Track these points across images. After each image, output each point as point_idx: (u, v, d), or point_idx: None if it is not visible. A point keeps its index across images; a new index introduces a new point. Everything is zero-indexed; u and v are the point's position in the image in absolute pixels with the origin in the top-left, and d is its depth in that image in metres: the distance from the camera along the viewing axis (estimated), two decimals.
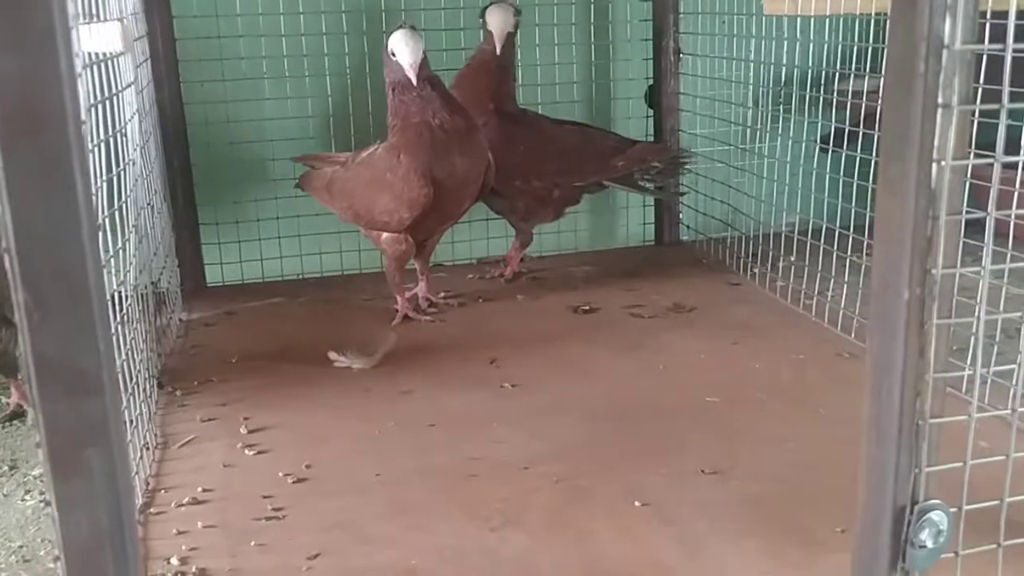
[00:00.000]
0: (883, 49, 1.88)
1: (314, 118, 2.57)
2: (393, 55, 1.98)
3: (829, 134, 2.22)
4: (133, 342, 1.54)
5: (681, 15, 2.65)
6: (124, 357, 1.44)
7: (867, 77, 2.16)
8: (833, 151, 2.12)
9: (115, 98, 1.55)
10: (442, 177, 2.02)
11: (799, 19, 2.30)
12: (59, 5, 0.62)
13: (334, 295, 2.38)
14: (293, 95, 2.53)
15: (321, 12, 2.50)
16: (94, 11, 1.55)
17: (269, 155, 2.55)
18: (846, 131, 2.08)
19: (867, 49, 2.29)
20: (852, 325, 1.96)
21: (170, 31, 2.35)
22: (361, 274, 2.53)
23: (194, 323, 2.20)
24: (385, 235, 2.12)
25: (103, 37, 1.50)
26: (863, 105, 2.04)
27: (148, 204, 1.95)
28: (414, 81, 1.95)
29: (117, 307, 1.43)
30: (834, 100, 2.17)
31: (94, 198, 0.71)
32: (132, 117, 1.78)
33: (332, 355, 1.91)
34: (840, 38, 2.56)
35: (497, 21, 2.28)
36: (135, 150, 1.81)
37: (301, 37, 2.50)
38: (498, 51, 2.28)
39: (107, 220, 1.42)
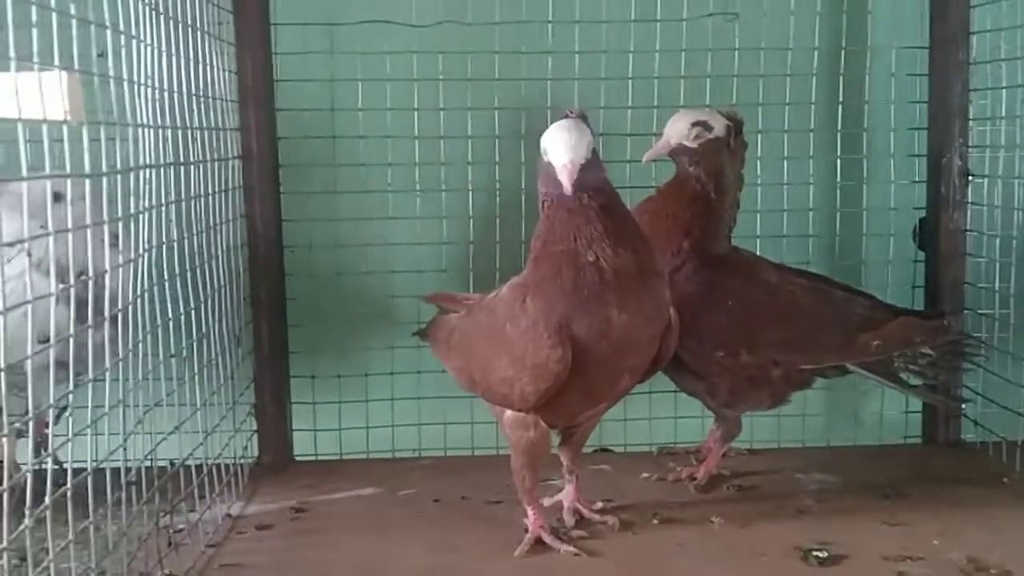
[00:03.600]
0: None
1: (451, 245, 1.95)
2: (545, 154, 1.32)
3: None
4: None
5: (972, 122, 1.86)
6: None
7: None
8: None
9: None
10: (588, 337, 1.32)
11: None
12: None
13: (449, 488, 1.69)
14: (425, 214, 1.93)
15: (467, 109, 1.90)
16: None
17: (388, 291, 1.94)
18: None
19: None
20: None
21: (271, 127, 1.82)
22: (496, 456, 1.82)
23: (243, 523, 1.56)
24: (508, 414, 1.43)
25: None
26: None
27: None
28: (567, 187, 1.28)
29: None
30: None
31: None
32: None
33: None
34: None
35: (667, 128, 1.64)
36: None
37: (439, 140, 1.91)
38: (644, 159, 1.64)
39: None
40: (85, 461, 1.15)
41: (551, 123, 1.35)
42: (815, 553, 1.39)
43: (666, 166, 1.68)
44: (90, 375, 1.15)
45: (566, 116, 1.37)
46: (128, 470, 1.20)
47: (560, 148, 1.30)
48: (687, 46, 1.90)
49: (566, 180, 1.28)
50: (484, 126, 1.91)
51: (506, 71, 1.89)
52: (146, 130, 1.28)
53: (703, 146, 1.60)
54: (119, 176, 1.16)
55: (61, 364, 1.10)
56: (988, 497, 1.63)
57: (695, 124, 1.60)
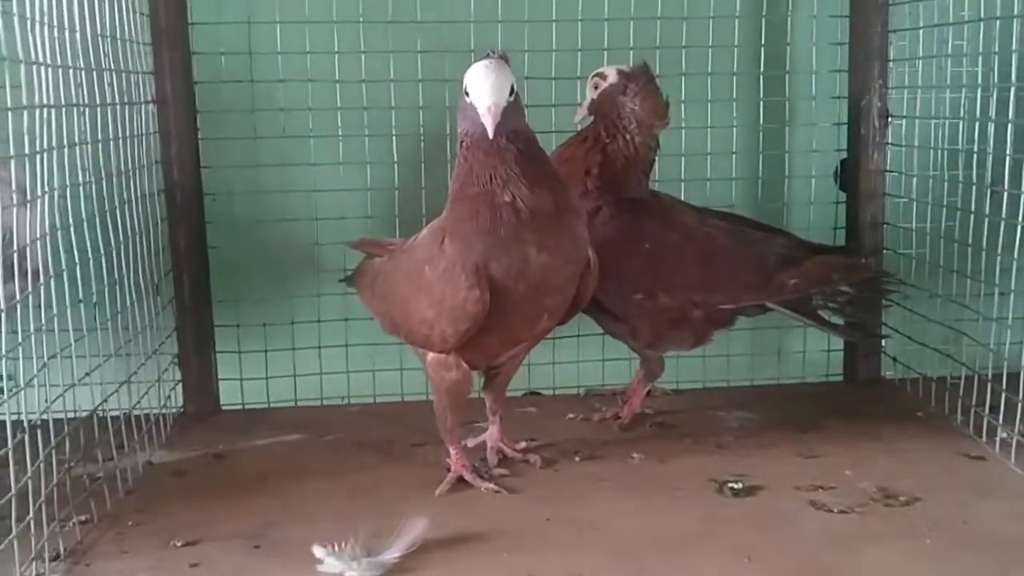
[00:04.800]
0: None
1: (376, 191, 1.92)
2: (467, 94, 1.30)
3: None
4: None
5: (891, 63, 1.87)
6: None
7: None
8: None
9: None
10: (505, 278, 1.32)
11: None
12: None
13: (374, 433, 1.69)
14: (348, 159, 1.90)
15: (389, 52, 1.87)
16: None
17: (312, 238, 1.91)
18: None
19: None
20: None
21: (186, 70, 1.77)
22: (425, 402, 1.80)
23: (159, 471, 1.54)
24: (430, 356, 1.43)
25: None
26: None
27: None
28: (490, 130, 1.27)
29: None
30: None
31: None
32: None
33: (317, 552, 1.20)
34: None
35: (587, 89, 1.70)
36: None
37: (361, 84, 1.87)
38: (574, 123, 1.69)
39: None
40: None
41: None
42: (730, 485, 1.42)
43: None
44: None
45: (488, 56, 1.35)
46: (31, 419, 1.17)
47: (483, 90, 1.28)
48: None
49: (489, 123, 1.27)
50: (407, 70, 1.88)
51: (428, 14, 1.86)
52: (45, 69, 1.24)
53: (600, 95, 1.66)
54: (9, 113, 1.12)
55: None
56: (902, 430, 1.66)
57: (593, 77, 1.68)
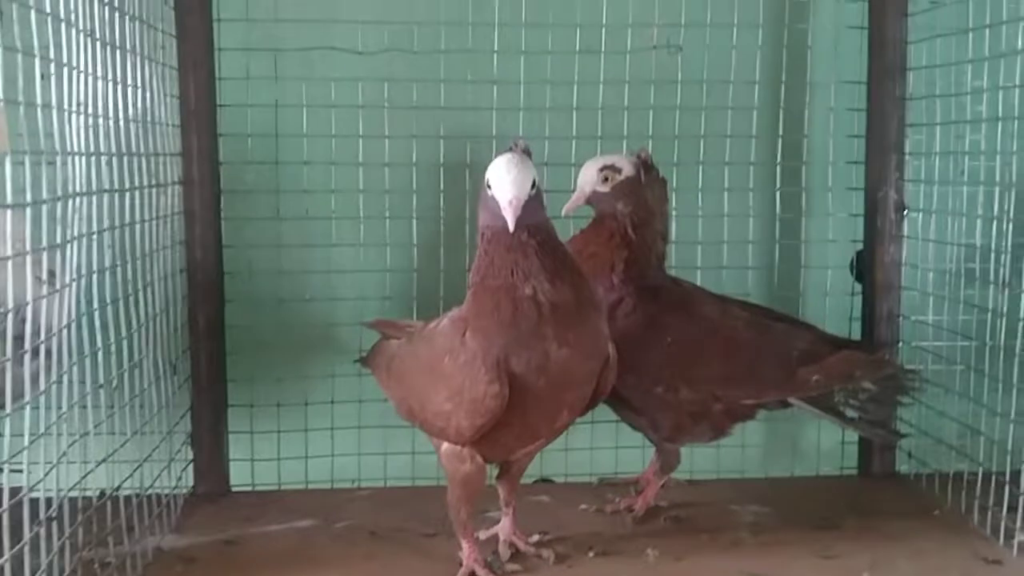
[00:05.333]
0: None
1: (394, 273, 1.94)
2: (489, 187, 1.32)
3: None
4: None
5: (907, 156, 1.89)
6: None
7: None
8: None
9: None
10: (525, 373, 1.31)
11: None
12: None
13: (386, 521, 1.68)
14: (368, 242, 1.92)
15: (412, 136, 1.90)
16: None
17: (330, 319, 1.93)
18: None
19: None
20: None
21: (213, 151, 1.80)
22: (437, 487, 1.79)
23: (169, 557, 1.53)
24: (445, 446, 1.42)
25: None
26: None
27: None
28: (511, 224, 1.28)
29: None
30: None
31: None
32: None
33: None
34: None
35: (581, 176, 1.66)
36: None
37: (384, 167, 1.90)
38: (562, 213, 1.64)
39: None
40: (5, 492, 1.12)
41: (496, 152, 1.36)
42: None
43: None
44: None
45: (511, 148, 1.37)
46: (48, 503, 1.17)
47: (505, 184, 1.29)
48: (630, 78, 1.92)
49: (510, 216, 1.28)
50: (429, 154, 1.91)
51: (452, 100, 1.89)
52: (78, 157, 1.26)
53: (615, 188, 1.62)
54: (44, 205, 1.14)
55: None
56: (919, 529, 1.64)
57: (602, 169, 1.63)
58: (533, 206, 1.32)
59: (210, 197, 1.79)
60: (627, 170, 1.63)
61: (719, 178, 1.97)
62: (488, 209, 1.34)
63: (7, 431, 1.11)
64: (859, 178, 1.97)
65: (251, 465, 1.89)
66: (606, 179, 1.63)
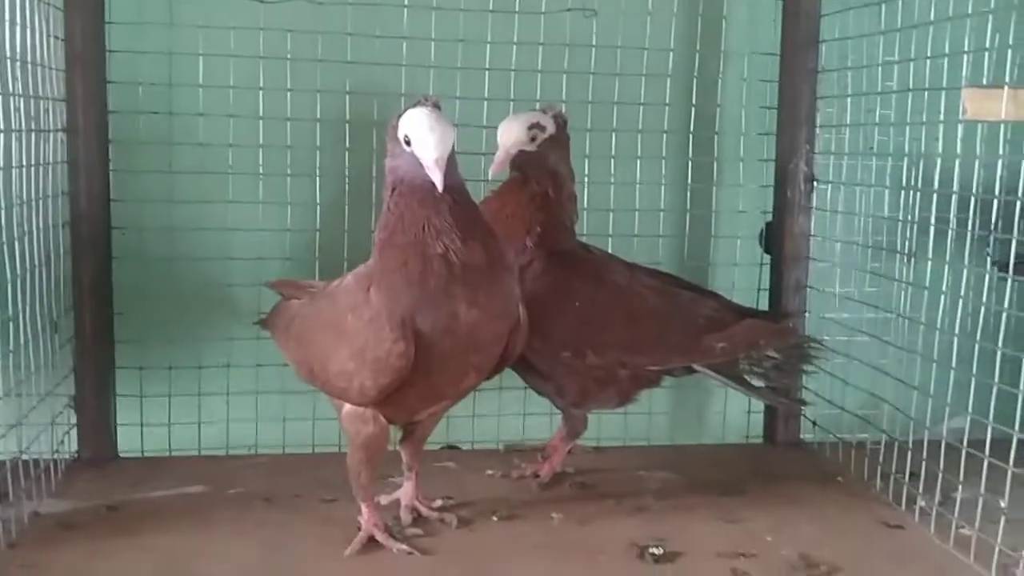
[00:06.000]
0: None
1: (296, 232, 1.86)
2: (408, 143, 1.25)
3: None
4: None
5: (819, 128, 1.90)
6: None
7: None
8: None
9: None
10: (432, 333, 1.26)
11: (1009, 126, 1.52)
12: None
13: (282, 486, 1.61)
14: (269, 199, 1.83)
15: (316, 91, 1.82)
16: None
17: (226, 279, 1.83)
18: None
19: None
20: None
21: (101, 98, 1.69)
22: (338, 454, 1.72)
23: (47, 522, 1.43)
24: (346, 408, 1.36)
25: None
26: None
27: None
28: (439, 184, 1.22)
29: None
30: None
31: None
32: None
33: None
34: None
35: (501, 135, 1.57)
36: None
37: (286, 122, 1.82)
38: (490, 175, 1.57)
39: None
40: None
41: (405, 109, 1.30)
42: (651, 550, 1.38)
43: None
44: None
45: (419, 104, 1.30)
46: None
47: (430, 142, 1.23)
48: (545, 40, 1.88)
49: (438, 176, 1.22)
50: (334, 110, 1.83)
51: (359, 54, 1.82)
52: None
53: (541, 146, 1.57)
54: None
55: None
56: (822, 495, 1.65)
57: (531, 127, 1.56)
58: (452, 164, 1.27)
59: (97, 146, 1.68)
60: (550, 128, 1.59)
61: (632, 145, 1.95)
62: (402, 165, 1.28)
63: None
64: (770, 149, 1.96)
65: (140, 430, 1.80)
66: (533, 138, 1.57)
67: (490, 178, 1.58)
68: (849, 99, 1.83)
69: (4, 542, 1.33)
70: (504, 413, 1.91)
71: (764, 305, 1.95)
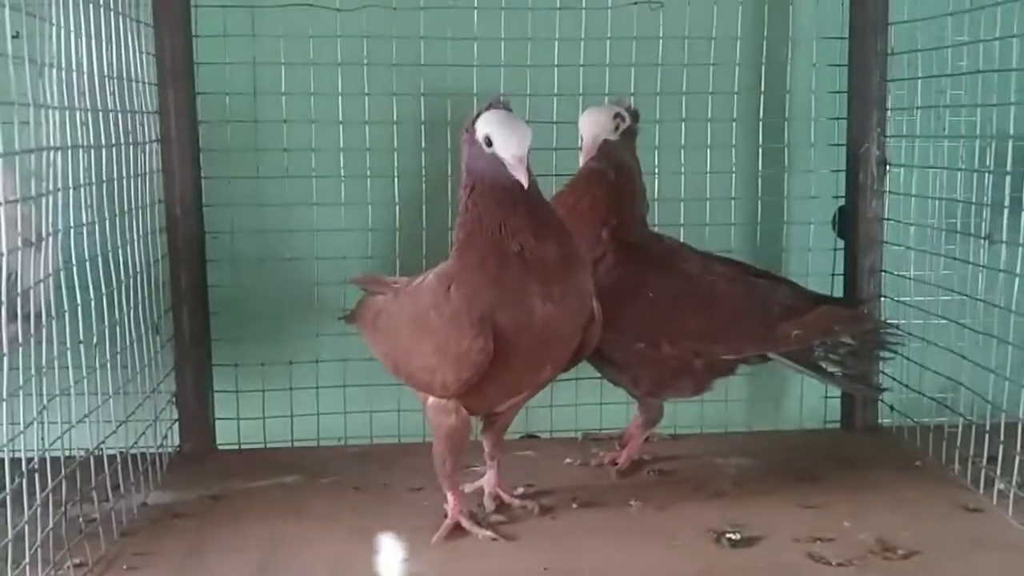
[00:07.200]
0: None
1: (377, 232, 1.93)
2: (489, 143, 1.31)
3: None
4: None
5: (889, 112, 1.89)
6: None
7: None
8: None
9: None
10: (510, 328, 1.32)
11: None
12: None
13: (372, 476, 1.68)
14: (350, 201, 1.90)
15: (392, 95, 1.89)
16: None
17: (313, 278, 1.91)
18: None
19: None
20: None
21: (191, 110, 1.78)
22: (423, 444, 1.79)
23: (158, 512, 1.53)
24: (430, 400, 1.42)
25: None
26: None
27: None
28: (524, 182, 1.28)
29: None
30: None
31: None
32: None
33: None
34: None
35: (586, 126, 1.60)
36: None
37: (364, 126, 1.89)
38: (580, 162, 1.60)
39: None
40: None
41: (478, 112, 1.35)
42: (728, 535, 1.41)
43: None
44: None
45: (492, 105, 1.35)
46: (30, 461, 1.17)
47: (512, 141, 1.29)
48: (612, 34, 1.91)
49: (522, 174, 1.28)
50: (409, 112, 1.90)
51: (432, 57, 1.88)
52: (52, 112, 1.25)
53: (623, 135, 1.61)
54: (17, 158, 1.13)
55: None
56: (900, 480, 1.66)
57: (616, 116, 1.60)
58: (529, 162, 1.32)
59: (189, 155, 1.77)
60: (628, 119, 1.63)
61: (702, 135, 1.97)
62: (482, 164, 1.33)
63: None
64: (841, 134, 1.97)
65: (237, 424, 1.89)
66: (617, 127, 1.60)
67: (582, 164, 1.62)
68: (920, 81, 1.82)
69: (117, 531, 1.43)
70: (581, 403, 1.96)
71: (838, 291, 1.95)
